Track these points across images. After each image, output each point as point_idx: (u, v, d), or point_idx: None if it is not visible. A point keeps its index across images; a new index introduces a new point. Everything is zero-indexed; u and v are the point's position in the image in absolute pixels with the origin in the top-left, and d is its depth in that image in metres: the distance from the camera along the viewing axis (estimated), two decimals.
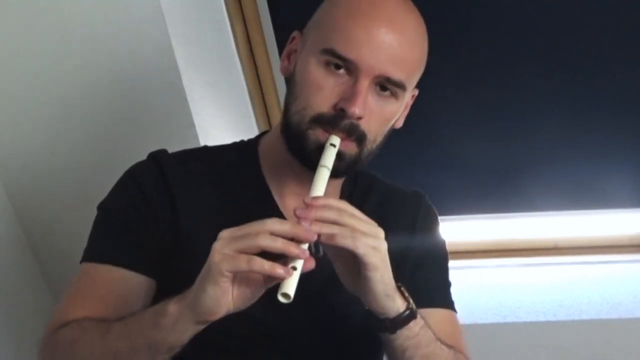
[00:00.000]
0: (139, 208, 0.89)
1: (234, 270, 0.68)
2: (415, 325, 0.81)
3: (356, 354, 0.95)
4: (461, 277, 1.02)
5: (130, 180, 0.93)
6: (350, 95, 0.82)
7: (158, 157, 0.94)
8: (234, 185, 0.93)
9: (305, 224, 0.71)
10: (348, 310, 0.90)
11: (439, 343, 0.86)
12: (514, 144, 1.58)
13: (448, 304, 0.99)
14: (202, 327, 0.73)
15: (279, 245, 0.69)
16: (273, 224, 0.70)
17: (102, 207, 0.93)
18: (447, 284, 1.01)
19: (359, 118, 0.83)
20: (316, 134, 0.84)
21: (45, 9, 1.18)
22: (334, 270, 0.80)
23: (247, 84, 1.54)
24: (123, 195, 0.92)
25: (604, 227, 1.72)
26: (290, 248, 0.69)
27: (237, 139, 1.02)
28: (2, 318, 1.36)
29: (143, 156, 0.97)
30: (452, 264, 1.04)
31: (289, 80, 0.90)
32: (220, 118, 1.43)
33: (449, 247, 1.04)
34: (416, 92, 0.94)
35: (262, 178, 0.94)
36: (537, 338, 1.54)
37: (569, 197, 1.65)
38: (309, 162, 0.84)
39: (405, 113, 0.94)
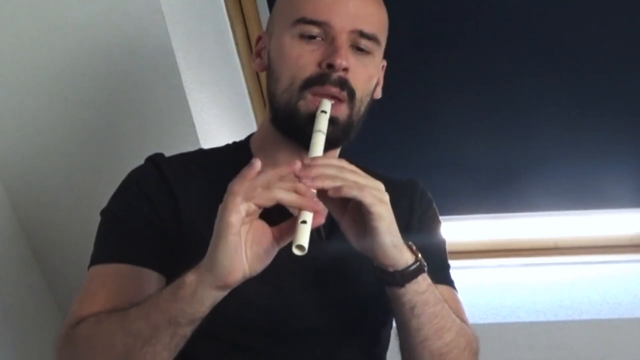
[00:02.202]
0: (142, 207, 0.90)
1: (251, 203, 0.69)
2: (423, 281, 0.82)
3: (362, 333, 0.95)
4: (461, 277, 1.02)
5: (131, 183, 0.94)
6: (332, 51, 0.85)
7: (156, 160, 0.95)
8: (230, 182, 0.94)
9: (306, 181, 0.72)
10: (352, 291, 0.92)
11: (446, 305, 0.87)
12: (514, 144, 1.58)
13: (449, 282, 1.01)
14: (221, 294, 0.74)
15: (292, 186, 0.71)
16: (280, 193, 0.71)
17: (104, 211, 0.94)
18: (447, 265, 1.03)
19: (346, 69, 0.85)
20: (306, 102, 0.86)
21: (45, 10, 1.18)
22: (335, 253, 0.81)
23: (247, 84, 1.54)
24: (124, 197, 0.93)
25: (604, 227, 1.72)
26: (306, 200, 0.71)
27: (237, 139, 1.03)
28: (1, 318, 1.36)
29: (143, 156, 0.97)
30: (452, 264, 1.04)
31: (267, 71, 0.92)
32: (220, 118, 1.43)
33: (449, 248, 1.05)
34: (385, 64, 0.96)
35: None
36: (537, 338, 1.54)
37: (569, 197, 1.65)
38: (304, 136, 0.85)
39: (381, 83, 0.96)
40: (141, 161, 0.96)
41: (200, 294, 0.73)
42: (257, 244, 0.73)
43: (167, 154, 0.99)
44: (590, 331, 1.53)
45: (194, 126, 1.30)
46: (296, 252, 0.71)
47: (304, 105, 0.86)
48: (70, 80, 1.27)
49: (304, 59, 0.86)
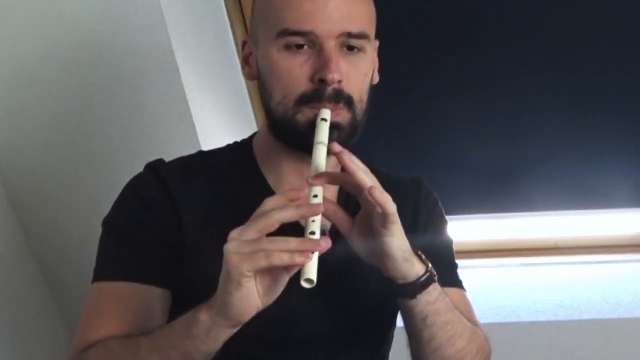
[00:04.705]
0: (144, 219, 0.88)
1: (255, 270, 0.68)
2: (434, 290, 0.82)
3: (369, 337, 0.95)
4: (461, 277, 1.02)
5: (131, 193, 0.92)
6: (322, 63, 0.81)
7: (156, 167, 0.93)
8: (234, 186, 0.93)
9: (346, 157, 0.72)
10: (359, 297, 0.91)
11: (457, 311, 0.86)
12: (515, 144, 1.58)
13: (458, 283, 1.00)
14: (235, 330, 0.73)
15: (293, 245, 0.69)
16: (279, 214, 0.70)
17: (106, 223, 0.92)
18: (455, 265, 1.02)
19: (340, 82, 0.83)
20: (305, 115, 0.84)
21: (44, 9, 1.18)
22: (341, 258, 0.79)
23: (247, 84, 1.54)
24: (126, 209, 0.91)
25: (604, 227, 1.72)
26: (305, 245, 0.69)
27: (237, 139, 1.02)
28: (1, 318, 1.36)
29: (143, 155, 0.96)
30: None
31: (258, 81, 0.90)
32: (220, 118, 1.43)
33: None
34: (377, 44, 0.93)
35: (261, 175, 0.93)
36: (537, 338, 1.54)
37: (569, 197, 1.65)
38: (306, 145, 0.83)
39: (377, 67, 0.93)
40: (141, 161, 0.96)
41: (214, 333, 0.72)
42: (267, 277, 0.71)
43: (167, 154, 0.98)
44: (590, 331, 1.53)
45: (194, 126, 1.30)
46: (305, 285, 0.69)
47: (302, 117, 0.84)
48: (70, 81, 1.27)
49: (294, 73, 0.83)
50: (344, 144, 0.83)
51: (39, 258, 1.47)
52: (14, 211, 1.42)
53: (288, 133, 0.86)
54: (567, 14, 1.39)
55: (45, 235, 1.45)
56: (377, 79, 0.93)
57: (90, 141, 1.34)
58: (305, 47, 0.83)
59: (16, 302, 1.40)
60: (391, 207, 0.74)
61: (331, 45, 0.82)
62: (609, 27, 1.40)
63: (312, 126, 0.83)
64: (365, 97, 0.88)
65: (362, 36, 0.84)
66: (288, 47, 0.83)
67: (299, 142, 0.86)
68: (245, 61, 0.92)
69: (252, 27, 0.91)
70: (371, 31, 0.87)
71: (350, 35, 0.83)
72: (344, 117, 0.85)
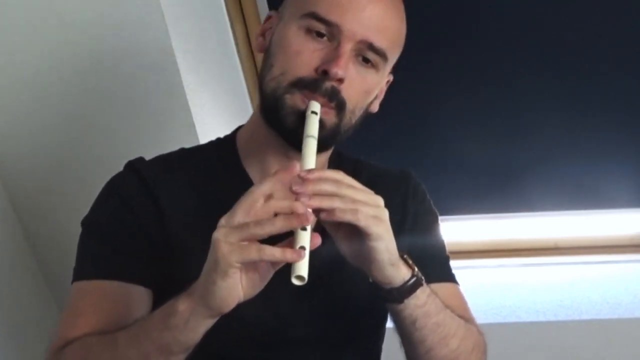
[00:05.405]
0: (124, 218, 0.87)
1: (245, 262, 0.67)
2: (422, 293, 0.80)
3: (361, 336, 0.94)
4: (461, 277, 1.02)
5: (111, 192, 0.91)
6: (332, 57, 0.80)
7: (136, 165, 0.92)
8: (216, 182, 0.91)
9: (304, 199, 0.68)
10: (348, 297, 0.91)
11: (448, 311, 0.85)
12: (514, 144, 1.58)
13: (450, 277, 0.99)
14: (214, 320, 0.72)
15: (279, 225, 0.66)
16: (267, 193, 0.68)
17: (85, 222, 0.91)
18: (446, 258, 1.00)
19: (341, 80, 0.81)
20: (294, 99, 0.82)
21: (44, 9, 1.18)
22: (329, 259, 0.78)
23: (247, 84, 1.54)
24: (105, 207, 0.90)
25: (604, 227, 1.72)
26: (294, 224, 0.67)
27: None
28: (1, 318, 1.36)
29: (142, 155, 0.96)
30: (452, 264, 1.03)
31: (265, 54, 0.88)
32: (220, 118, 1.43)
33: (448, 247, 1.03)
34: (391, 78, 0.93)
35: (243, 171, 0.92)
36: (537, 338, 1.54)
37: (569, 197, 1.65)
38: (288, 132, 0.82)
39: (381, 97, 0.92)
40: None
41: (193, 323, 0.71)
42: (252, 270, 0.70)
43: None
44: (590, 331, 1.53)
45: (194, 126, 1.30)
46: (296, 282, 0.67)
47: (290, 99, 0.82)
48: (70, 80, 1.27)
49: (303, 56, 0.81)
50: (321, 146, 0.81)
51: (39, 258, 1.47)
52: (14, 211, 1.42)
53: (272, 111, 0.84)
54: (567, 13, 1.39)
55: (45, 235, 1.45)
56: (375, 109, 0.92)
57: (90, 141, 1.35)
58: (325, 37, 0.82)
59: (16, 302, 1.40)
60: (375, 226, 0.72)
61: (348, 47, 0.81)
62: (609, 27, 1.40)
63: (295, 113, 0.81)
64: (358, 113, 0.86)
65: (381, 53, 0.83)
66: (308, 31, 0.82)
67: (279, 124, 0.84)
68: (262, 33, 0.91)
69: (283, 4, 0.89)
70: (391, 54, 0.86)
71: (370, 46, 0.82)
72: (330, 117, 0.83)
